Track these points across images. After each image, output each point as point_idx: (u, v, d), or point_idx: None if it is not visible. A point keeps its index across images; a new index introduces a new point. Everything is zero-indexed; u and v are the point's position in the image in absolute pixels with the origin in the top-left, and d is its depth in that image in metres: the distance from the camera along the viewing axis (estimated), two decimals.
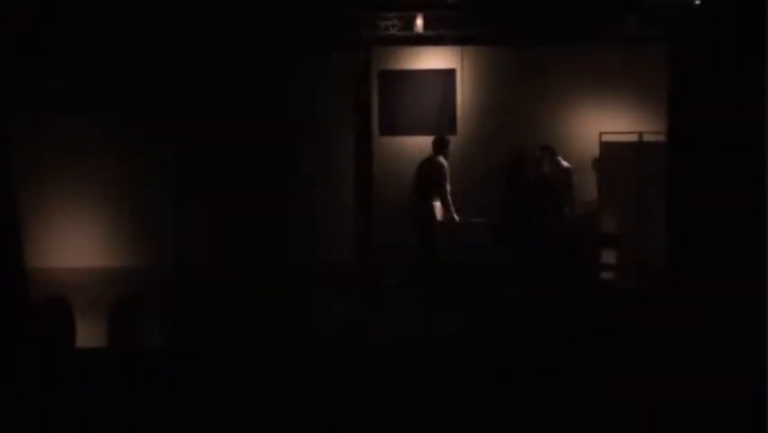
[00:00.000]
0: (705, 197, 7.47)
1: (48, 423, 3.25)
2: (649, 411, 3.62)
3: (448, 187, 9.21)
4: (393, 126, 10.86)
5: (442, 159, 9.34)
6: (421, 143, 10.31)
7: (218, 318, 4.42)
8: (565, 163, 9.96)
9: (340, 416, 3.51)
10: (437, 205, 9.22)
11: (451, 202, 9.22)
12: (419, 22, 9.73)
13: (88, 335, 3.78)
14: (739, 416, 3.67)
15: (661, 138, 9.28)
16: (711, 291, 6.67)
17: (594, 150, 10.45)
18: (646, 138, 10.28)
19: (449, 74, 10.87)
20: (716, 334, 5.00)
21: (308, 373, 3.74)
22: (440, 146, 9.43)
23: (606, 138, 10.44)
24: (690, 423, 3.63)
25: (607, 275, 9.76)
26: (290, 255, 10.05)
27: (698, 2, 7.97)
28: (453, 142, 10.47)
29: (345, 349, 3.99)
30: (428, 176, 9.25)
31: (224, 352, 3.87)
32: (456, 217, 9.24)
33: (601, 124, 10.57)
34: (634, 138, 10.39)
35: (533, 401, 3.54)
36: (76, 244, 10.40)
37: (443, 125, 10.75)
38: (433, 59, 10.85)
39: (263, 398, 3.55)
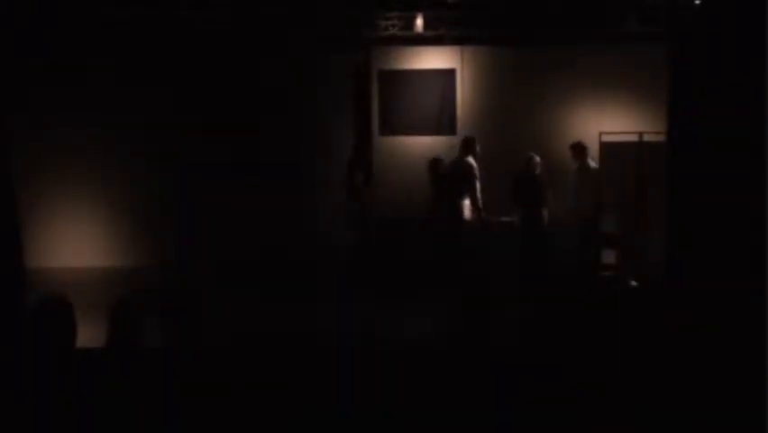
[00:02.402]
0: (705, 197, 7.46)
1: (48, 423, 3.25)
2: (649, 410, 3.62)
3: (478, 186, 9.31)
4: (393, 126, 10.86)
5: (471, 159, 9.40)
6: (421, 143, 10.32)
7: (217, 318, 4.42)
8: (593, 163, 9.92)
9: (342, 416, 3.51)
10: (466, 204, 9.30)
11: (480, 201, 9.31)
12: (419, 22, 9.73)
13: (88, 335, 3.77)
14: (739, 415, 3.67)
15: (661, 138, 9.28)
16: (711, 291, 6.67)
17: (594, 150, 10.46)
18: (646, 138, 10.28)
19: (449, 74, 10.86)
20: (716, 334, 5.01)
21: (309, 372, 3.74)
22: (468, 147, 9.49)
23: (606, 138, 10.44)
24: (690, 423, 3.63)
25: (607, 275, 9.76)
26: (290, 255, 10.04)
27: (698, 2, 7.96)
28: (453, 142, 10.51)
29: (347, 349, 4.00)
30: (458, 176, 9.31)
31: (224, 352, 3.88)
32: (483, 213, 9.35)
33: (601, 124, 10.57)
34: (634, 138, 10.40)
35: (532, 402, 3.54)
36: (76, 244, 10.39)
37: (443, 125, 10.77)
38: (433, 59, 10.85)
39: (263, 397, 3.55)
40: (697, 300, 6.63)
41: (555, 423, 3.52)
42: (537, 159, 9.54)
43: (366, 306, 8.40)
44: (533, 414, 3.51)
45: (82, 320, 3.64)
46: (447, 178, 9.44)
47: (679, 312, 6.45)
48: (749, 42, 6.56)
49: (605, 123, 10.59)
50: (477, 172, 9.36)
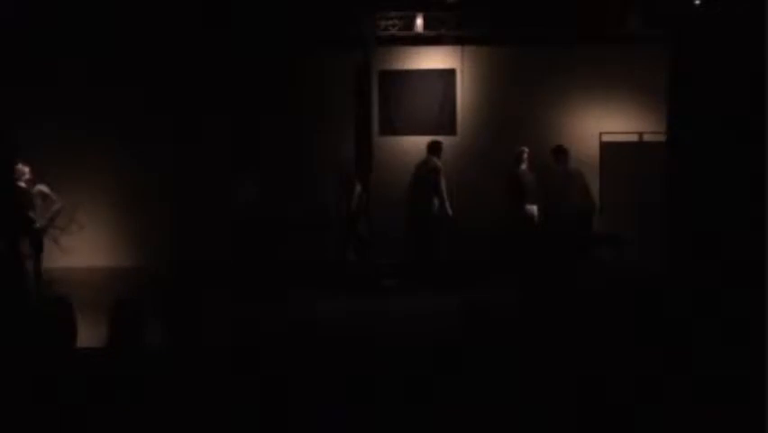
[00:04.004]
0: (705, 197, 7.47)
1: (48, 423, 3.25)
2: (648, 411, 3.62)
3: (443, 184, 9.43)
4: (393, 126, 10.87)
5: (436, 159, 9.47)
6: (421, 143, 10.31)
7: (216, 318, 4.42)
8: (574, 166, 9.92)
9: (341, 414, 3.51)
10: (435, 202, 9.39)
11: (446, 198, 9.42)
12: (419, 22, 9.73)
13: (89, 335, 3.78)
14: (739, 415, 3.68)
15: (661, 138, 9.29)
16: (711, 291, 6.67)
17: (594, 149, 10.48)
18: (646, 138, 10.29)
19: (449, 74, 10.87)
20: (716, 334, 5.01)
21: (306, 372, 3.75)
22: (434, 149, 9.57)
23: (606, 138, 10.45)
24: (690, 422, 3.64)
25: (606, 274, 9.75)
26: (291, 255, 10.02)
27: (698, 2, 7.96)
28: (453, 141, 10.59)
29: (344, 347, 4.00)
30: (425, 176, 9.44)
31: (224, 351, 3.88)
32: (450, 212, 9.42)
33: (601, 124, 10.58)
34: (634, 138, 10.41)
35: (530, 401, 3.54)
36: (76, 244, 10.38)
37: (443, 125, 10.77)
38: (433, 59, 10.85)
39: (263, 396, 3.55)
40: (697, 300, 6.62)
41: (555, 423, 3.52)
42: (527, 152, 9.71)
43: (365, 307, 8.40)
44: (533, 414, 3.51)
45: (83, 320, 3.65)
46: (416, 178, 9.59)
47: (679, 312, 6.45)
48: (749, 43, 6.56)
49: (605, 123, 10.60)
50: (440, 172, 9.50)
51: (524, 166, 9.69)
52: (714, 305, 6.05)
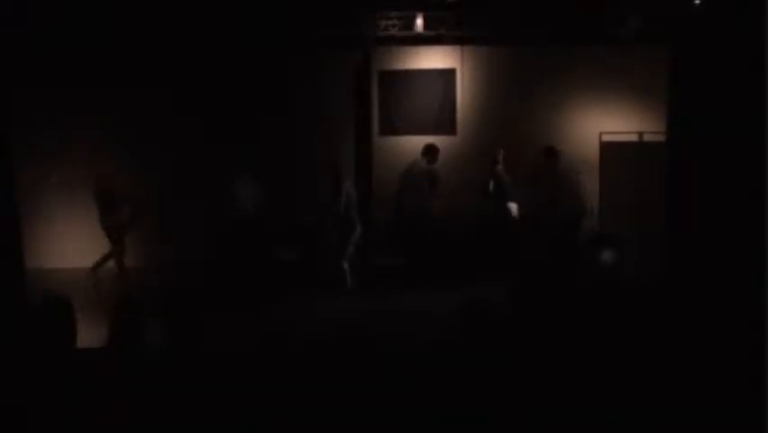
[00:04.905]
0: (705, 196, 7.47)
1: (48, 423, 3.25)
2: (648, 410, 3.62)
3: (427, 185, 9.50)
4: (393, 126, 10.88)
5: (428, 162, 9.53)
6: (421, 143, 10.31)
7: (216, 318, 4.43)
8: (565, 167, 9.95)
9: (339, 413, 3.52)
10: (429, 205, 9.48)
11: (425, 199, 9.49)
12: (419, 22, 9.73)
13: (88, 335, 3.78)
14: (738, 416, 3.68)
15: (661, 138, 9.29)
16: (711, 291, 6.67)
17: (594, 149, 10.48)
18: (646, 138, 10.29)
19: (449, 74, 10.88)
20: (716, 334, 5.01)
21: (305, 371, 3.75)
22: (426, 152, 9.61)
23: (606, 138, 10.45)
24: (690, 423, 3.64)
25: (606, 275, 9.74)
26: (290, 255, 10.03)
27: (698, 2, 7.96)
28: (453, 141, 10.65)
29: (342, 346, 4.00)
30: (420, 179, 9.49)
31: (224, 352, 3.88)
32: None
33: (601, 124, 10.59)
34: (634, 138, 10.41)
35: (529, 400, 3.54)
36: (76, 244, 10.37)
37: (442, 125, 10.78)
38: (433, 59, 10.86)
39: (262, 396, 3.56)
40: (697, 301, 6.63)
41: (555, 422, 3.52)
42: (503, 153, 9.88)
43: (365, 307, 8.41)
44: (533, 413, 3.51)
45: (82, 320, 3.65)
46: (408, 180, 9.59)
47: (678, 312, 6.45)
48: (749, 43, 6.56)
49: (605, 123, 10.61)
50: (424, 174, 9.51)
51: (500, 166, 9.88)
52: (714, 305, 6.05)
